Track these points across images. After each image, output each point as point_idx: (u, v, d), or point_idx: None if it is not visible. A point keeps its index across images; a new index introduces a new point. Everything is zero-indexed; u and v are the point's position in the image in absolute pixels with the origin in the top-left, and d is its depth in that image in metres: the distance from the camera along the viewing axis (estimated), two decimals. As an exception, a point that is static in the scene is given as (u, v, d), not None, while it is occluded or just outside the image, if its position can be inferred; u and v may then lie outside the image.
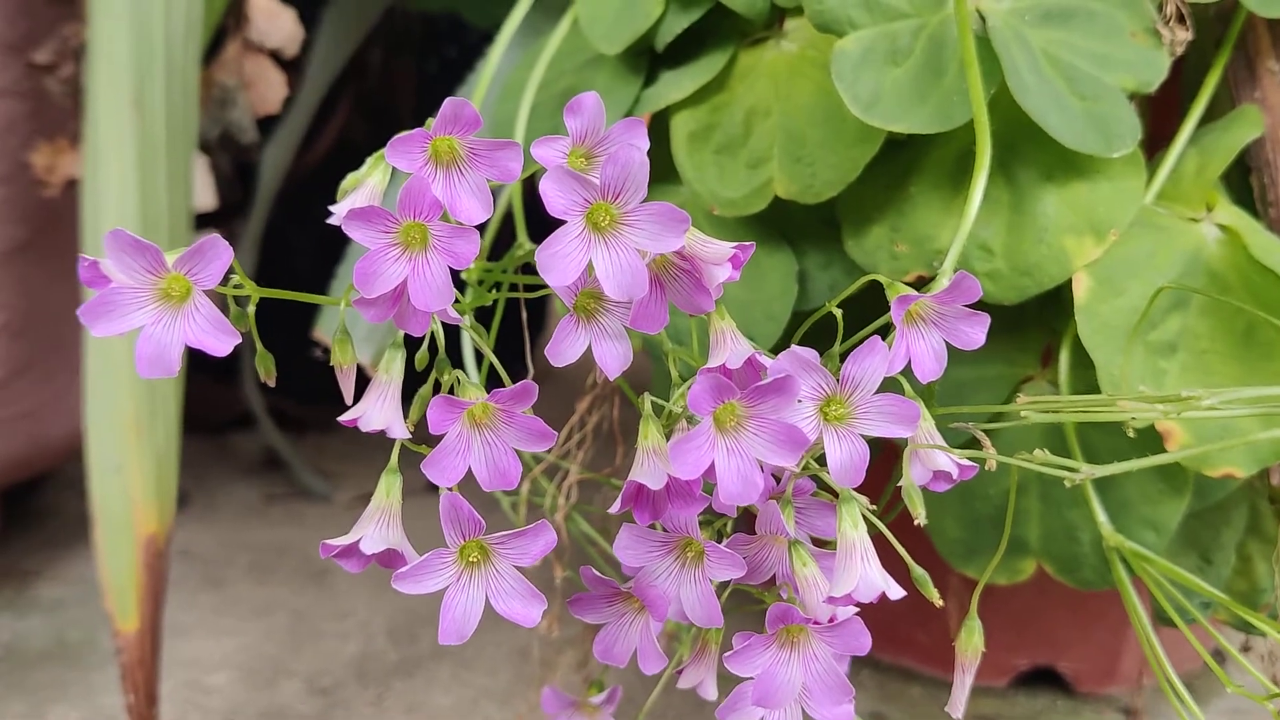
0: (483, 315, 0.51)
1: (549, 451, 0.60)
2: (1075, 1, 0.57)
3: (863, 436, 0.43)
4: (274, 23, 0.86)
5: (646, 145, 0.42)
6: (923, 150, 0.57)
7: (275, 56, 0.87)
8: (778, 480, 0.45)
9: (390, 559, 0.44)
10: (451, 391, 0.44)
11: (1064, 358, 0.57)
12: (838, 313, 0.47)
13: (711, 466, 0.41)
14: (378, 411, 0.44)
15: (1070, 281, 0.54)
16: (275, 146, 1.06)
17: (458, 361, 0.52)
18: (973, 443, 0.45)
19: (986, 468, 0.44)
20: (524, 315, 0.61)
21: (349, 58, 1.12)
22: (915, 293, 0.45)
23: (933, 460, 0.45)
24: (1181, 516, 0.56)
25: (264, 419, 1.14)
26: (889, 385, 0.43)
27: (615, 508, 0.44)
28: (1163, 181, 0.58)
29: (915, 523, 0.44)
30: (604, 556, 0.60)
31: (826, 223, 0.59)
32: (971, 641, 0.48)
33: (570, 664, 0.76)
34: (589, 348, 0.43)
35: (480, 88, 0.69)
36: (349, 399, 0.45)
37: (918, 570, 0.44)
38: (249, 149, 0.89)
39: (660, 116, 0.62)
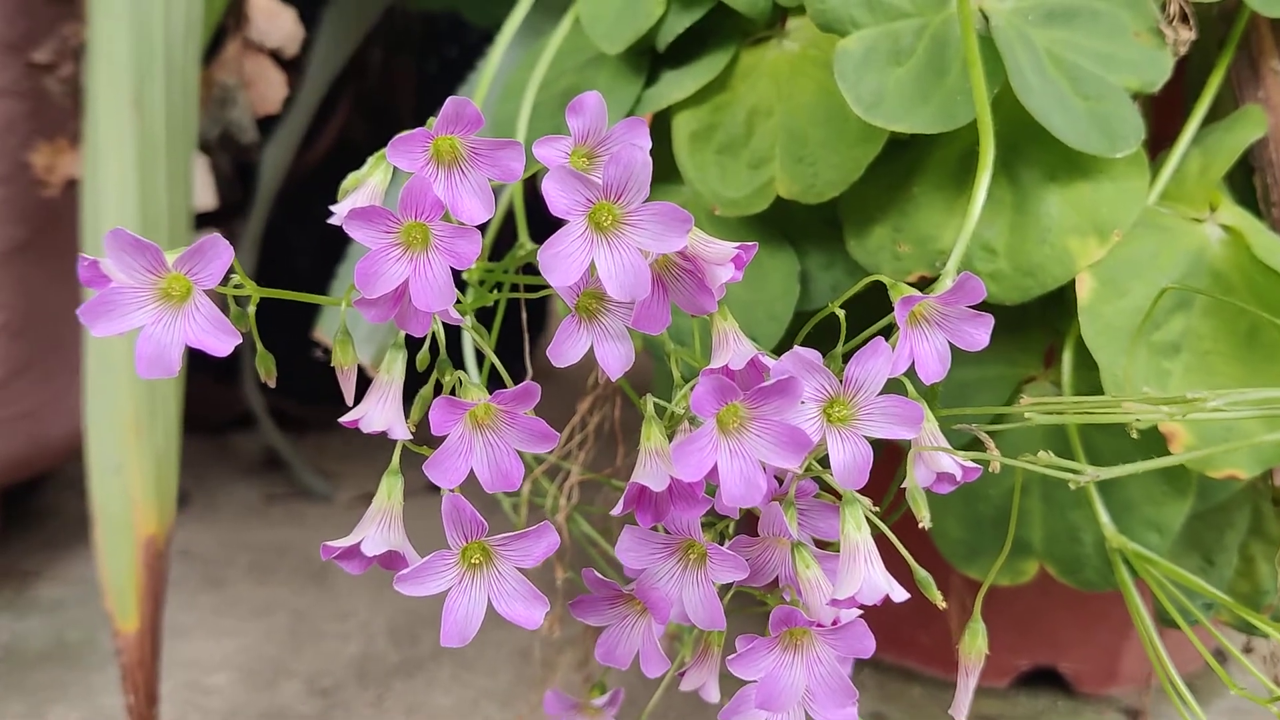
0: (483, 315, 0.51)
1: (550, 452, 0.60)
2: (1078, 1, 0.57)
3: (866, 438, 0.43)
4: (274, 22, 0.85)
5: (649, 145, 0.42)
6: (925, 150, 0.57)
7: (275, 56, 0.87)
8: (780, 482, 0.45)
9: (392, 561, 0.44)
10: (453, 392, 0.44)
11: (1067, 358, 0.57)
12: (841, 313, 0.47)
13: (714, 468, 0.41)
14: (379, 412, 0.44)
15: (1073, 282, 0.54)
16: (275, 146, 1.06)
17: (459, 362, 0.52)
18: (975, 444, 0.45)
19: (990, 469, 0.44)
20: (524, 315, 0.61)
21: (349, 57, 1.12)
22: (920, 294, 0.45)
23: (937, 462, 0.45)
24: (1184, 518, 0.56)
25: (264, 419, 1.14)
26: (892, 386, 0.43)
27: (617, 510, 0.44)
28: (1166, 182, 0.58)
29: (920, 525, 0.44)
30: (605, 558, 0.60)
31: (829, 223, 0.59)
32: (975, 644, 0.48)
33: (571, 665, 0.76)
34: (590, 348, 0.43)
35: (481, 87, 0.69)
36: (350, 400, 0.45)
37: (921, 572, 0.43)
38: (249, 149, 0.89)
39: (662, 116, 0.62)
